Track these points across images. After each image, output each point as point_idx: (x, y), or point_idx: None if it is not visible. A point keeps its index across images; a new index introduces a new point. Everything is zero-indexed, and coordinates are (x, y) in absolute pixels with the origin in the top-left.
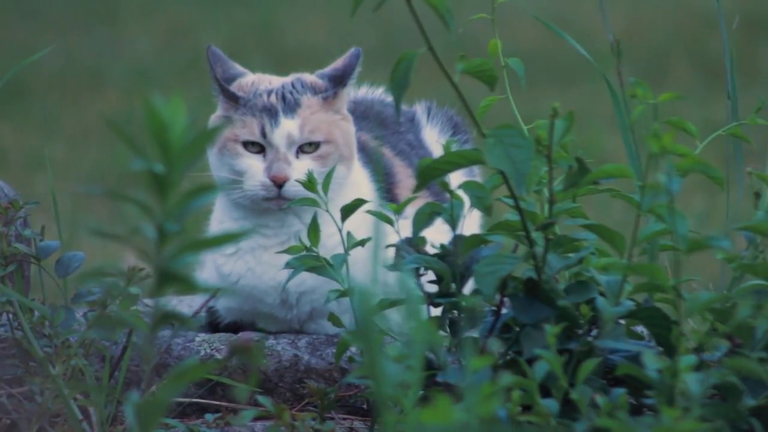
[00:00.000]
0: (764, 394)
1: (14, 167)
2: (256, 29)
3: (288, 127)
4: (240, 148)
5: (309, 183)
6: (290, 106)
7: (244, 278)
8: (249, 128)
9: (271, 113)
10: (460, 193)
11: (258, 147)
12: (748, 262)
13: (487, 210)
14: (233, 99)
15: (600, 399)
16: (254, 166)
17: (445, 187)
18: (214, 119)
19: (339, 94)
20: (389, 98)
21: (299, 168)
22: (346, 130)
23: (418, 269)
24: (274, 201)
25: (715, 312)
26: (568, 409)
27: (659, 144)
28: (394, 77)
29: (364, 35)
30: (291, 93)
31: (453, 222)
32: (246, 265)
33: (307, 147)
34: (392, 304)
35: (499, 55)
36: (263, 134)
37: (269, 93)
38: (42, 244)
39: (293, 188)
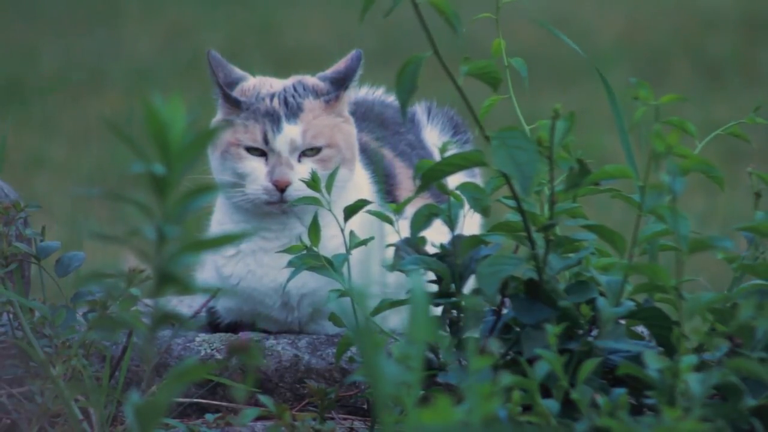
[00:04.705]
0: (765, 394)
1: (14, 167)
2: (256, 29)
3: (291, 134)
4: (242, 152)
5: (313, 182)
6: (293, 110)
7: (244, 280)
8: (251, 134)
9: (274, 119)
10: (459, 193)
11: (260, 150)
12: (749, 263)
13: (484, 211)
14: (235, 104)
15: (600, 399)
16: (257, 170)
17: (443, 189)
18: (215, 123)
19: (341, 97)
20: (389, 99)
21: (301, 172)
22: (347, 133)
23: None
24: (276, 205)
25: (716, 312)
26: (569, 409)
27: (664, 143)
28: (401, 81)
29: (363, 36)
30: (293, 97)
31: (451, 223)
32: (246, 267)
33: (309, 151)
34: (392, 304)
35: (503, 55)
36: (265, 141)
37: (271, 97)
38: (42, 244)
39: (296, 192)
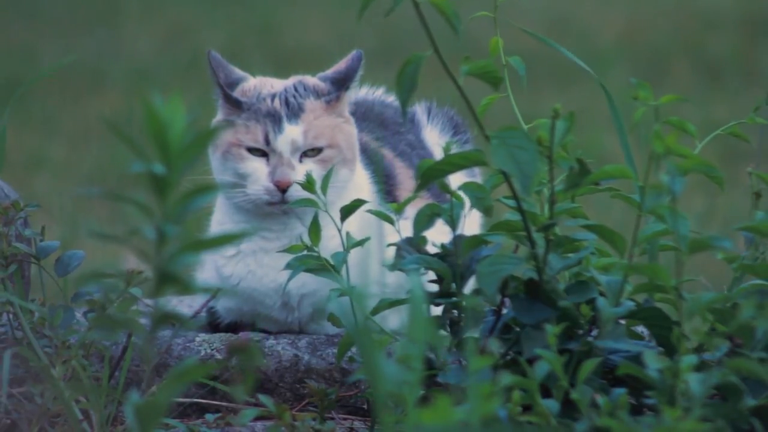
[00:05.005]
0: (765, 394)
1: (14, 167)
2: (256, 29)
3: (292, 134)
4: (244, 152)
5: (308, 184)
6: (294, 111)
7: (244, 280)
8: (252, 135)
9: (275, 119)
10: (460, 193)
11: (262, 151)
12: (749, 263)
13: (487, 211)
14: (236, 105)
15: (600, 399)
16: (258, 170)
17: (445, 188)
18: (215, 124)
19: (341, 97)
20: (389, 99)
21: (302, 172)
22: (348, 133)
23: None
24: (278, 205)
25: (716, 312)
26: (569, 409)
27: (663, 144)
28: (401, 80)
29: (363, 36)
30: (294, 97)
31: (453, 223)
32: (247, 267)
33: (310, 151)
34: (392, 304)
35: (501, 53)
36: (267, 141)
37: (272, 97)
38: (42, 244)
39: (297, 193)
